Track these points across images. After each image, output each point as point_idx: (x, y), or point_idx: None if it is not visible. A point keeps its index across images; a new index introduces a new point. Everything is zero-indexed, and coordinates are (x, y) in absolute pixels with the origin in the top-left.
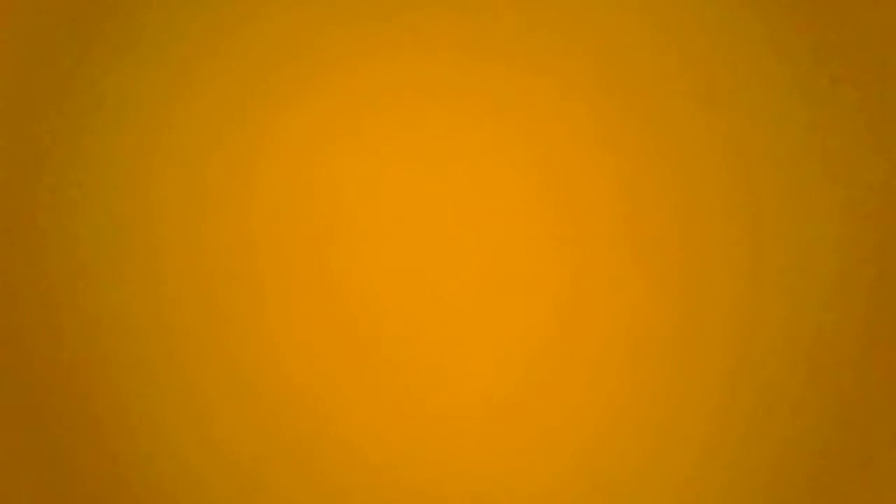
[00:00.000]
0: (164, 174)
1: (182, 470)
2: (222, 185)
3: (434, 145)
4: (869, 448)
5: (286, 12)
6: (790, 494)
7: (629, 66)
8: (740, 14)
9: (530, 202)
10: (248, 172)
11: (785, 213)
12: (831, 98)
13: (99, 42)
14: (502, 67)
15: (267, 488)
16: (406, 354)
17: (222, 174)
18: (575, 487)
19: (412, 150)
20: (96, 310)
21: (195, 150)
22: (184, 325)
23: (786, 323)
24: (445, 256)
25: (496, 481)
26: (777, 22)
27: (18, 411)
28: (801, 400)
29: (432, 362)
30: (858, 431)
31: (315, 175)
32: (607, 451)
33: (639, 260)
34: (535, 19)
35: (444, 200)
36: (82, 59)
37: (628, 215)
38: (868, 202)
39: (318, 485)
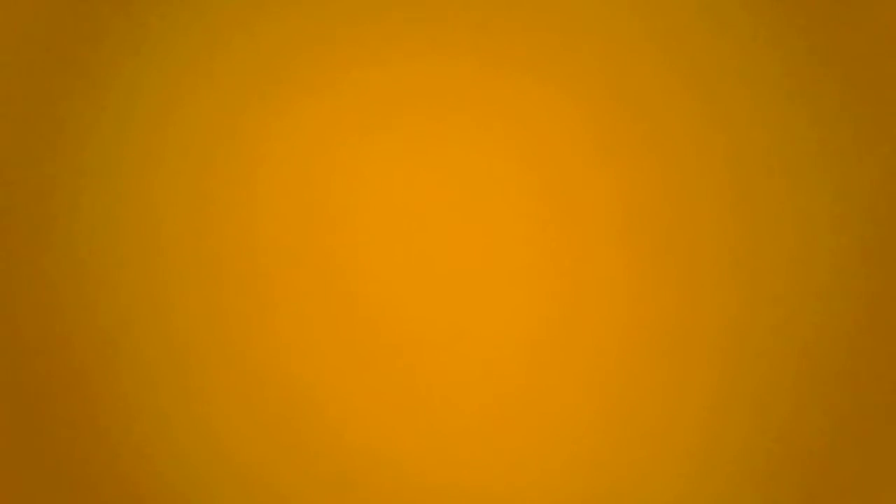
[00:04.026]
0: (168, 175)
1: (187, 470)
2: (227, 186)
3: (436, 147)
4: (868, 448)
5: (291, 15)
6: (788, 493)
7: (628, 69)
8: (738, 15)
9: (532, 203)
10: (252, 174)
11: (782, 213)
12: (830, 99)
13: (103, 43)
14: (503, 71)
15: (271, 487)
16: (409, 353)
17: (227, 175)
18: (574, 483)
19: (415, 152)
20: (100, 310)
21: (200, 151)
22: (188, 327)
23: (783, 321)
24: (447, 257)
25: (498, 478)
26: (775, 23)
27: (21, 413)
28: (798, 398)
29: (434, 360)
30: (856, 431)
31: (319, 176)
32: (605, 447)
33: (637, 260)
34: (536, 23)
35: (446, 201)
36: (87, 59)
37: (627, 217)
38: (866, 202)
39: (322, 483)
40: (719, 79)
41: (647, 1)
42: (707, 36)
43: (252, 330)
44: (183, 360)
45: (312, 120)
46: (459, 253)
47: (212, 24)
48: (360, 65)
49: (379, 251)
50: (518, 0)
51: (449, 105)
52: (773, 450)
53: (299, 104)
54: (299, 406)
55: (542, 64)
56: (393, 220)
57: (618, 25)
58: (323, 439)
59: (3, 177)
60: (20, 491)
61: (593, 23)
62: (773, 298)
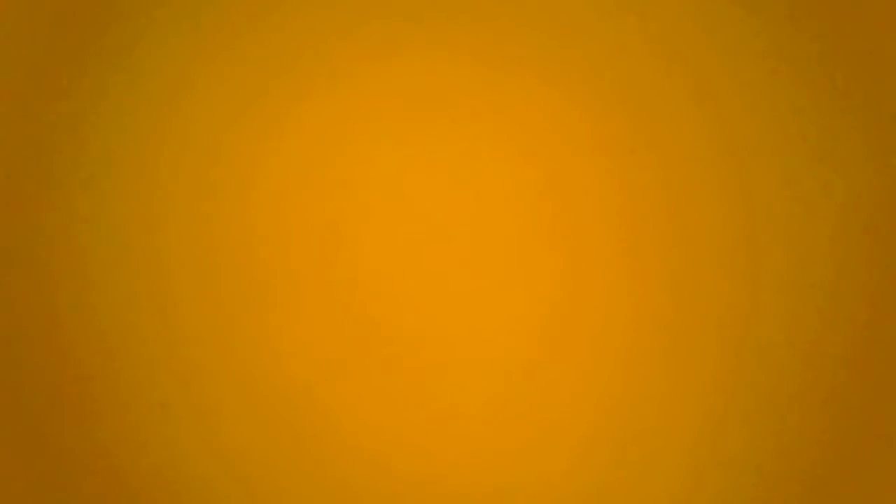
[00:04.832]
0: (169, 175)
1: (187, 470)
2: (227, 186)
3: (437, 146)
4: (868, 448)
5: (292, 14)
6: (788, 494)
7: (628, 70)
8: (738, 16)
9: (533, 202)
10: (252, 174)
11: (782, 214)
12: (831, 99)
13: (103, 43)
14: (503, 71)
15: (271, 486)
16: (410, 352)
17: (227, 175)
18: (574, 483)
19: (414, 152)
20: (100, 310)
21: (201, 151)
22: (189, 326)
23: (782, 323)
24: (447, 257)
25: (499, 477)
26: (775, 24)
27: (20, 412)
28: (797, 400)
29: (436, 359)
30: (856, 431)
31: (318, 176)
32: (606, 446)
33: (637, 261)
34: (536, 24)
35: (447, 199)
36: (87, 58)
37: (628, 216)
38: (867, 202)
39: (322, 483)
40: (720, 79)
41: (648, 1)
42: (708, 37)
43: (253, 330)
44: (183, 359)
45: (313, 119)
46: (460, 252)
47: (213, 23)
48: (361, 65)
49: (380, 250)
50: (520, 0)
51: (450, 104)
52: (773, 449)
53: (300, 104)
54: (300, 406)
55: (544, 64)
56: (394, 219)
57: (619, 26)
58: (324, 439)
59: (2, 176)
60: (20, 491)
61: (595, 23)
62: (773, 297)
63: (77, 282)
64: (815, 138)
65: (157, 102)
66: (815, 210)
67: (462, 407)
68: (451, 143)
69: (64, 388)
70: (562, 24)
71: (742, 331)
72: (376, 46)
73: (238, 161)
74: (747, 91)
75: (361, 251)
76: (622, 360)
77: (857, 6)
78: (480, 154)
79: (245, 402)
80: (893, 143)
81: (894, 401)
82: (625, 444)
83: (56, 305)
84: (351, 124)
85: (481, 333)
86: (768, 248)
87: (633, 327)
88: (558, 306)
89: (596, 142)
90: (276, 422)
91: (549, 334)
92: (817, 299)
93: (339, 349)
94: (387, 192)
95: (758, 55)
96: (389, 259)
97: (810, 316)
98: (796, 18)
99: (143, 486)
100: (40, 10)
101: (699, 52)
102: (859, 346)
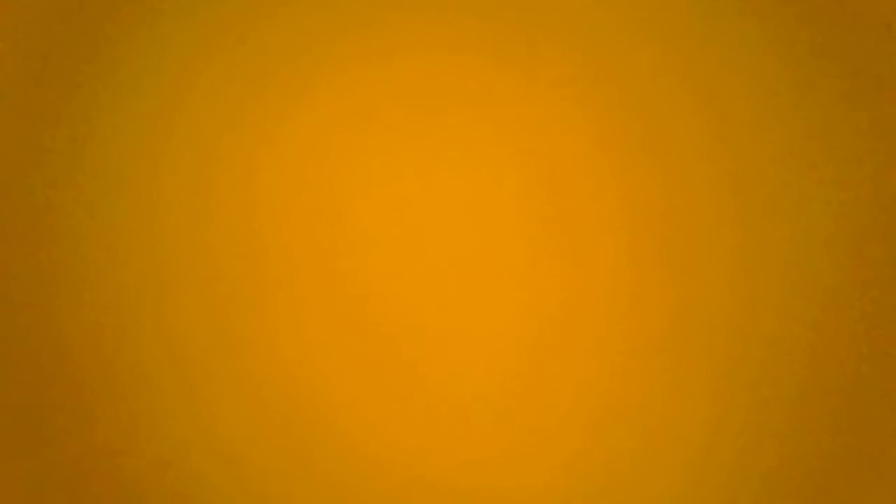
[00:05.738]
0: (168, 175)
1: (186, 470)
2: (226, 185)
3: (436, 145)
4: (869, 448)
5: (291, 13)
6: (789, 494)
7: (628, 69)
8: (738, 15)
9: (530, 203)
10: (252, 173)
11: (782, 214)
12: (830, 99)
13: (103, 42)
14: (503, 70)
15: (271, 486)
16: (410, 352)
17: (226, 174)
18: (574, 484)
19: (414, 151)
20: (100, 310)
21: (200, 151)
22: (188, 326)
23: (783, 321)
24: (447, 256)
25: (496, 478)
26: (775, 23)
27: (20, 412)
28: (797, 399)
29: (435, 359)
30: (857, 431)
31: (318, 175)
32: (605, 447)
33: (637, 260)
34: (536, 22)
35: (445, 200)
36: (86, 57)
37: (628, 215)
38: (866, 201)
39: (320, 483)
40: (720, 79)
41: (648, 1)
42: (708, 36)
43: (252, 329)
44: (183, 359)
45: (313, 118)
46: (460, 251)
47: (213, 22)
48: (362, 64)
49: (380, 250)
50: (520, 0)
51: (451, 104)
52: (773, 449)
53: (300, 103)
54: (300, 405)
55: (546, 64)
56: (394, 219)
57: (619, 26)
58: (323, 438)
59: (2, 176)
60: (20, 491)
61: (595, 23)
62: (773, 298)
63: (77, 282)
64: (816, 138)
65: (156, 102)
66: (816, 210)
67: (462, 407)
68: (452, 142)
69: (64, 388)
70: (563, 24)
71: (743, 331)
72: (377, 46)
73: (238, 160)
74: (748, 92)
75: (362, 250)
76: (622, 360)
77: (857, 6)
78: (481, 153)
79: (245, 402)
80: (893, 143)
81: (895, 400)
82: (625, 444)
83: (56, 305)
84: (351, 124)
85: (482, 333)
86: (769, 248)
87: (634, 328)
88: (559, 306)
89: (597, 141)
90: (276, 421)
91: (549, 335)
92: (817, 299)
93: (338, 349)
94: (388, 192)
95: (759, 55)
96: (390, 258)
97: (811, 316)
98: (797, 18)
99: (142, 485)
100: (40, 10)
101: (700, 51)
102: (860, 346)
